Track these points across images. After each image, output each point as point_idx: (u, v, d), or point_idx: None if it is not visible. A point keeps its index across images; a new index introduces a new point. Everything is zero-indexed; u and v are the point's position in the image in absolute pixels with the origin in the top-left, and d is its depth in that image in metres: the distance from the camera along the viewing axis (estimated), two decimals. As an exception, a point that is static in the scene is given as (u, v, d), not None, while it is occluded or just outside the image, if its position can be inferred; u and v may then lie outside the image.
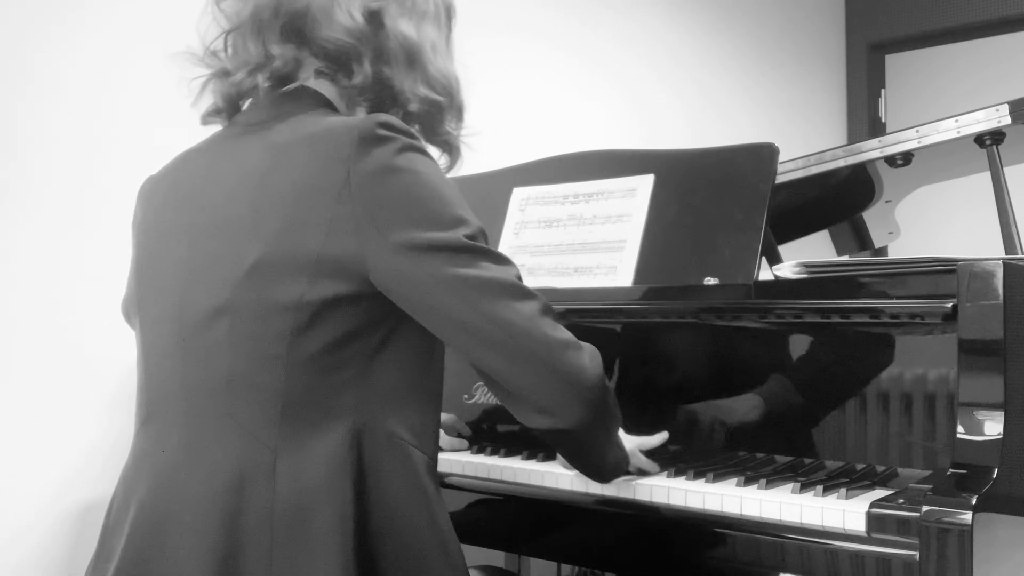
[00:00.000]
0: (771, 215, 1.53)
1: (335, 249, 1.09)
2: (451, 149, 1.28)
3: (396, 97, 1.22)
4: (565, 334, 1.15)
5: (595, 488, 1.37)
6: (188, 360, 1.15)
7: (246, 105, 1.26)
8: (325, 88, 1.22)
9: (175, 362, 1.17)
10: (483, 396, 1.68)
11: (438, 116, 1.25)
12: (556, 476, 1.42)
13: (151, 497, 1.15)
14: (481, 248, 1.13)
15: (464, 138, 1.29)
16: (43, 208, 1.75)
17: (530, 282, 1.72)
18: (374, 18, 1.21)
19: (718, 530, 1.29)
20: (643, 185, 1.65)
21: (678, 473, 1.35)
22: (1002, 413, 1.19)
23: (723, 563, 1.29)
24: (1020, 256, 1.78)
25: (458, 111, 1.27)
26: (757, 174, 1.55)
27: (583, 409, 1.15)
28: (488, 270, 1.12)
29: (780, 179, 1.69)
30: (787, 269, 1.45)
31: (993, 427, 1.19)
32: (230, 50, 1.24)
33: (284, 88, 1.21)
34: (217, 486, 1.10)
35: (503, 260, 1.15)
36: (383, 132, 1.11)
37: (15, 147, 1.69)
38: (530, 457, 1.51)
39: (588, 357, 1.16)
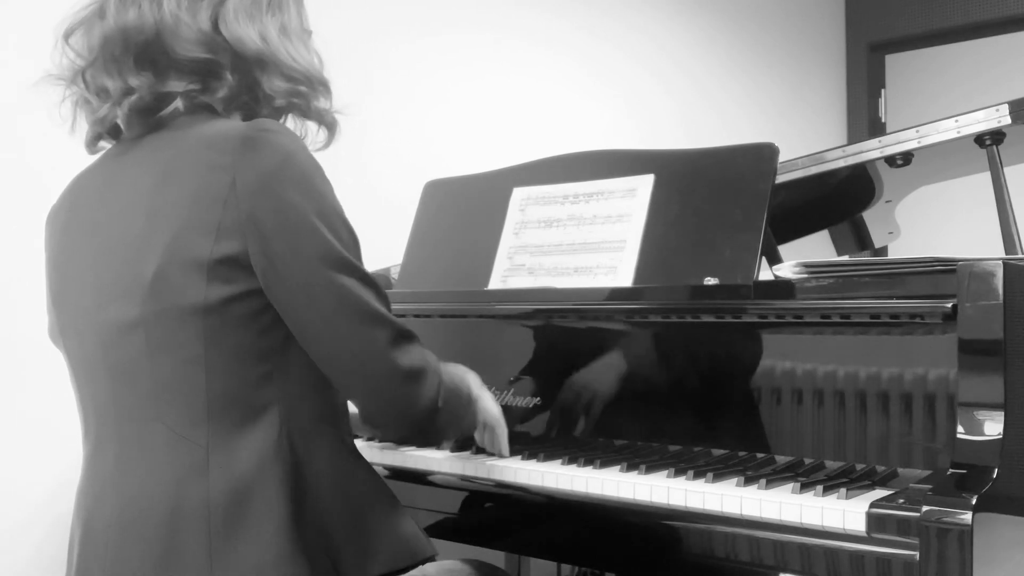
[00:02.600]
0: (771, 215, 1.53)
1: (225, 252, 1.12)
2: (328, 125, 1.32)
3: (263, 97, 1.24)
4: (410, 362, 1.20)
5: (594, 489, 1.37)
6: (113, 376, 1.19)
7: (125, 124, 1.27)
8: (196, 101, 1.22)
9: (102, 380, 1.21)
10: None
11: (304, 102, 1.28)
12: (557, 475, 1.42)
13: (94, 510, 1.20)
14: (351, 263, 1.17)
15: (338, 111, 1.32)
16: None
17: (530, 282, 1.73)
18: (219, 25, 1.22)
19: (718, 529, 1.29)
20: (643, 185, 1.65)
21: (678, 473, 1.35)
22: (1002, 413, 1.19)
23: (723, 562, 1.29)
24: (1020, 256, 1.78)
25: (324, 89, 1.30)
26: (757, 174, 1.55)
27: (406, 430, 1.26)
28: (354, 288, 1.17)
29: (780, 179, 1.69)
30: (787, 269, 1.45)
31: (993, 427, 1.19)
32: (89, 84, 1.24)
33: (160, 112, 1.21)
34: (153, 489, 1.14)
35: (369, 281, 1.19)
36: (266, 137, 1.14)
37: None
38: (530, 457, 1.51)
39: (424, 386, 1.22)
